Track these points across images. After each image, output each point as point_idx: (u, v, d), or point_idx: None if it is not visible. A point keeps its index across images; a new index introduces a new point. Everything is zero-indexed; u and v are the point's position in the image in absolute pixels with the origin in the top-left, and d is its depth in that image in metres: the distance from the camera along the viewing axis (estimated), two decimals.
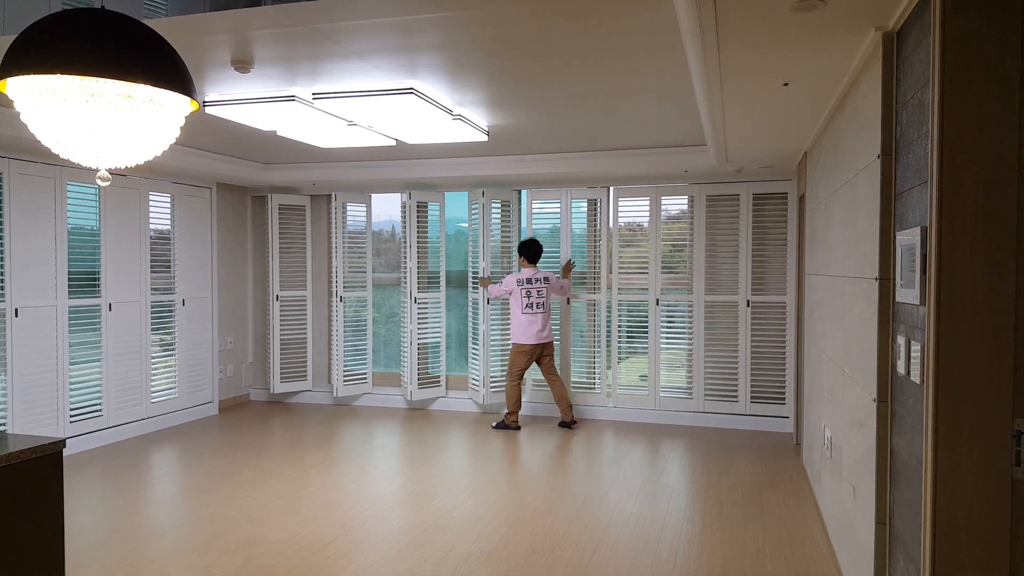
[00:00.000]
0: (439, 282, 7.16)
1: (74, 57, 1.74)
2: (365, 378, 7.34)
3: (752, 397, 6.32)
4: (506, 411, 6.33)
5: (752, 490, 4.61)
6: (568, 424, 6.32)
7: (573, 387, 6.77)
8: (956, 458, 1.89)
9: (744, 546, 3.71)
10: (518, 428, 6.28)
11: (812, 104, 3.63)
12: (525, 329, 6.21)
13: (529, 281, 6.23)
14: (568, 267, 6.66)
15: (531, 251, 6.35)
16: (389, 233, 7.81)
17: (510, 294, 6.30)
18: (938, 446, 1.91)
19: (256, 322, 7.64)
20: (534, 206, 6.86)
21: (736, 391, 6.36)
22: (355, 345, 7.30)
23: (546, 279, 6.29)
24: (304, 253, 7.43)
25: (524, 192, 6.95)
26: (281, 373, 7.29)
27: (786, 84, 3.22)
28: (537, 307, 6.20)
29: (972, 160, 1.86)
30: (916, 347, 2.11)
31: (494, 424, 6.36)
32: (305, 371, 7.44)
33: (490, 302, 6.78)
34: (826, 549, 3.66)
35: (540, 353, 6.30)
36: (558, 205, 6.80)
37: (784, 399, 6.23)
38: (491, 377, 6.80)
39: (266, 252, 7.42)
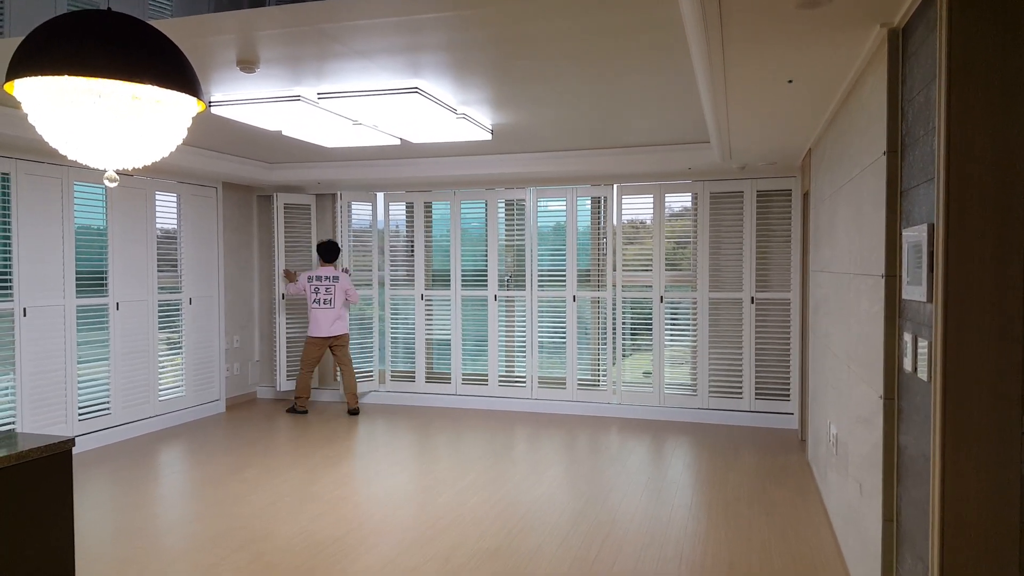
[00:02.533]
0: (449, 280, 7.16)
1: (82, 58, 1.75)
2: (371, 376, 7.36)
3: (757, 394, 6.32)
4: (296, 396, 6.85)
5: (757, 487, 4.61)
6: (353, 412, 6.84)
7: (577, 384, 6.79)
8: (964, 455, 1.89)
9: (750, 543, 3.71)
10: (305, 412, 6.86)
11: (816, 101, 3.62)
12: (315, 323, 6.72)
13: (319, 279, 6.73)
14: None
15: (324, 251, 6.82)
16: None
17: (304, 291, 6.78)
18: (946, 443, 1.91)
19: (262, 320, 7.66)
20: (539, 203, 6.87)
21: (741, 388, 6.36)
22: (361, 343, 7.32)
23: (336, 278, 6.75)
24: (310, 251, 7.45)
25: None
26: (288, 371, 7.31)
27: (790, 81, 3.22)
28: (325, 303, 6.70)
29: (979, 157, 1.86)
30: (923, 344, 2.11)
31: (287, 409, 6.93)
32: None
33: (284, 297, 7.22)
34: (832, 546, 3.66)
35: (332, 344, 6.81)
36: (563, 203, 6.81)
37: (789, 396, 6.22)
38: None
39: (272, 251, 7.44)
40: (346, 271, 7.05)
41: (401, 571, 3.40)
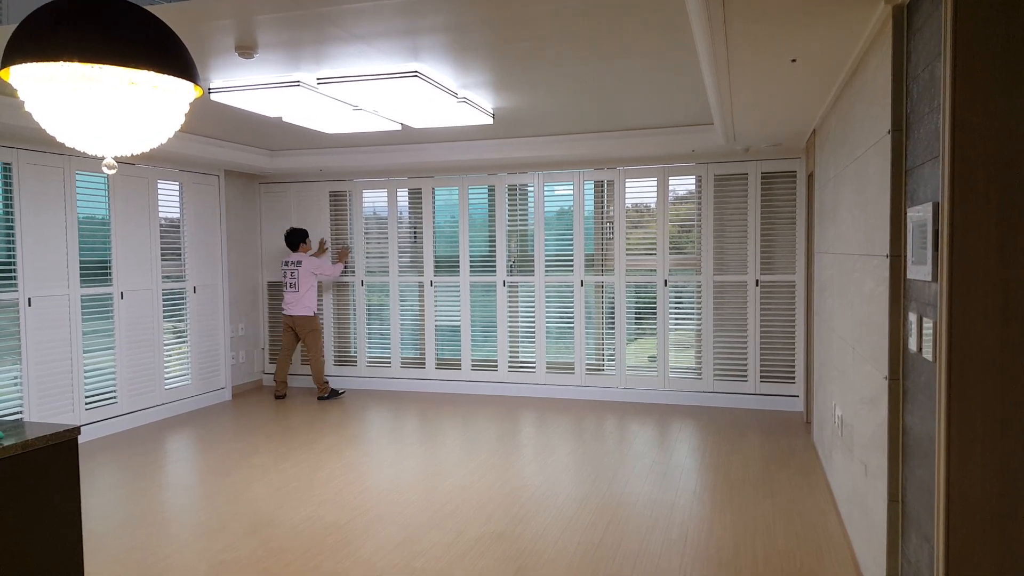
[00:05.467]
0: (457, 267, 7.15)
1: (77, 44, 1.74)
2: (388, 362, 7.38)
3: (762, 376, 6.31)
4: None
5: (763, 469, 4.62)
6: (322, 397, 7.02)
7: (586, 369, 6.79)
8: (969, 435, 1.88)
9: (755, 525, 3.72)
10: (282, 397, 7.04)
11: (821, 80, 3.59)
12: (284, 303, 7.00)
13: (286, 263, 7.00)
14: (343, 252, 7.36)
15: (287, 239, 7.06)
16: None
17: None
18: (951, 423, 1.90)
19: (268, 307, 7.67)
20: (545, 188, 6.84)
21: (746, 370, 6.35)
22: (364, 330, 7.34)
23: (299, 262, 6.94)
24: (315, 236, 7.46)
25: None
26: (300, 359, 7.33)
27: (794, 60, 3.18)
28: (291, 286, 6.96)
29: (985, 134, 1.83)
30: (928, 324, 2.09)
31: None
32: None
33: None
34: (838, 527, 3.66)
35: (296, 326, 6.96)
36: (570, 187, 6.77)
37: (794, 378, 6.21)
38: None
39: (278, 238, 7.46)
40: (345, 248, 7.27)
41: (407, 555, 3.41)
